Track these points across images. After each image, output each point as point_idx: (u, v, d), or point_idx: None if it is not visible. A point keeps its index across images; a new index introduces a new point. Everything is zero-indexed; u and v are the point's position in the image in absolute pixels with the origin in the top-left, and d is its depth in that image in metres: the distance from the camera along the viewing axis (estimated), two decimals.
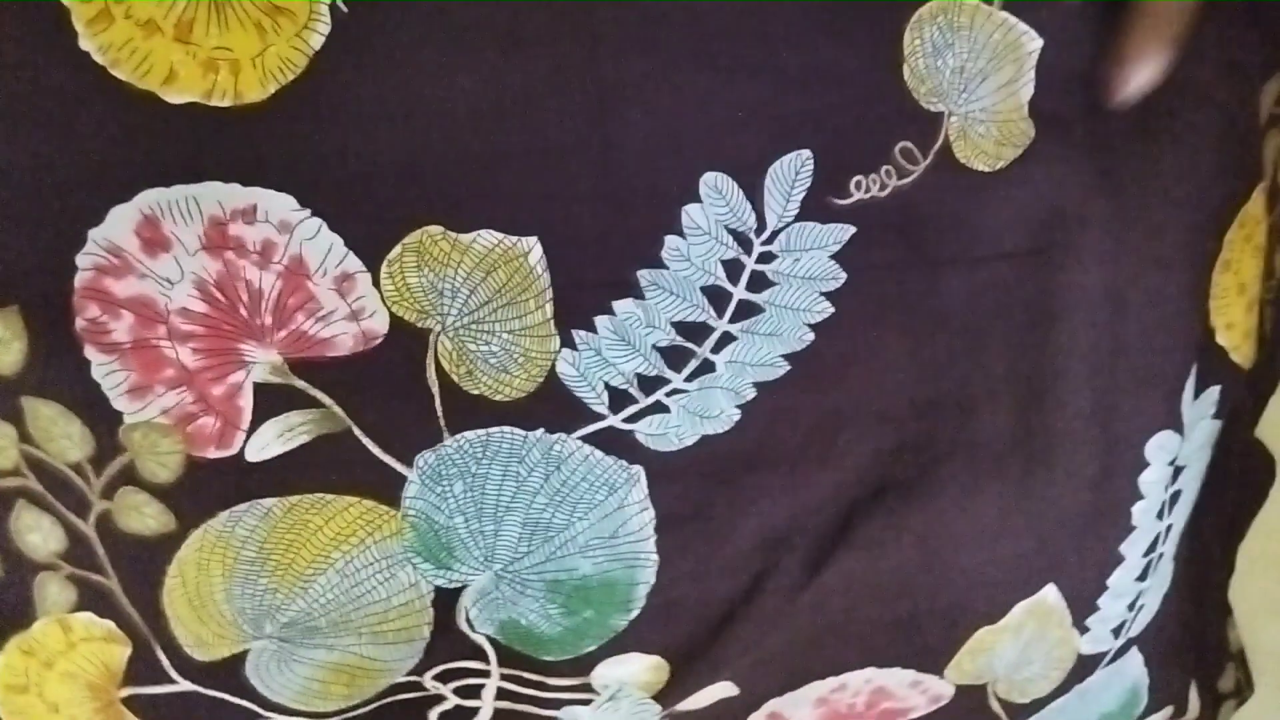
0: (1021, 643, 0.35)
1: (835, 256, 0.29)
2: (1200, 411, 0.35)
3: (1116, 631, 0.37)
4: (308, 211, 0.26)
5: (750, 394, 0.30)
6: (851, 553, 0.32)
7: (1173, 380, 0.34)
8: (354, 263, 0.27)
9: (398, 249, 0.27)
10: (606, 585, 0.31)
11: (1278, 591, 0.45)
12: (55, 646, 0.29)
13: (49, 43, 0.24)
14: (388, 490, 0.29)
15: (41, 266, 0.25)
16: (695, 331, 0.29)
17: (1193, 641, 0.41)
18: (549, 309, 0.28)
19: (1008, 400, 0.32)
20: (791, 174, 0.28)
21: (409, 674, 0.32)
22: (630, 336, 0.29)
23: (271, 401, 0.28)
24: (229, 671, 0.30)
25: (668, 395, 0.30)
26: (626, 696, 0.33)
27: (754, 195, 0.28)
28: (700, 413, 0.30)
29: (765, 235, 0.29)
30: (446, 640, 0.31)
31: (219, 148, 0.25)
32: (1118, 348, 0.32)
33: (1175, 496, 0.36)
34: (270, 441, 0.28)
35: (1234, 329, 0.35)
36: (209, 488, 0.28)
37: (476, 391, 0.29)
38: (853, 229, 0.29)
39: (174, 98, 0.25)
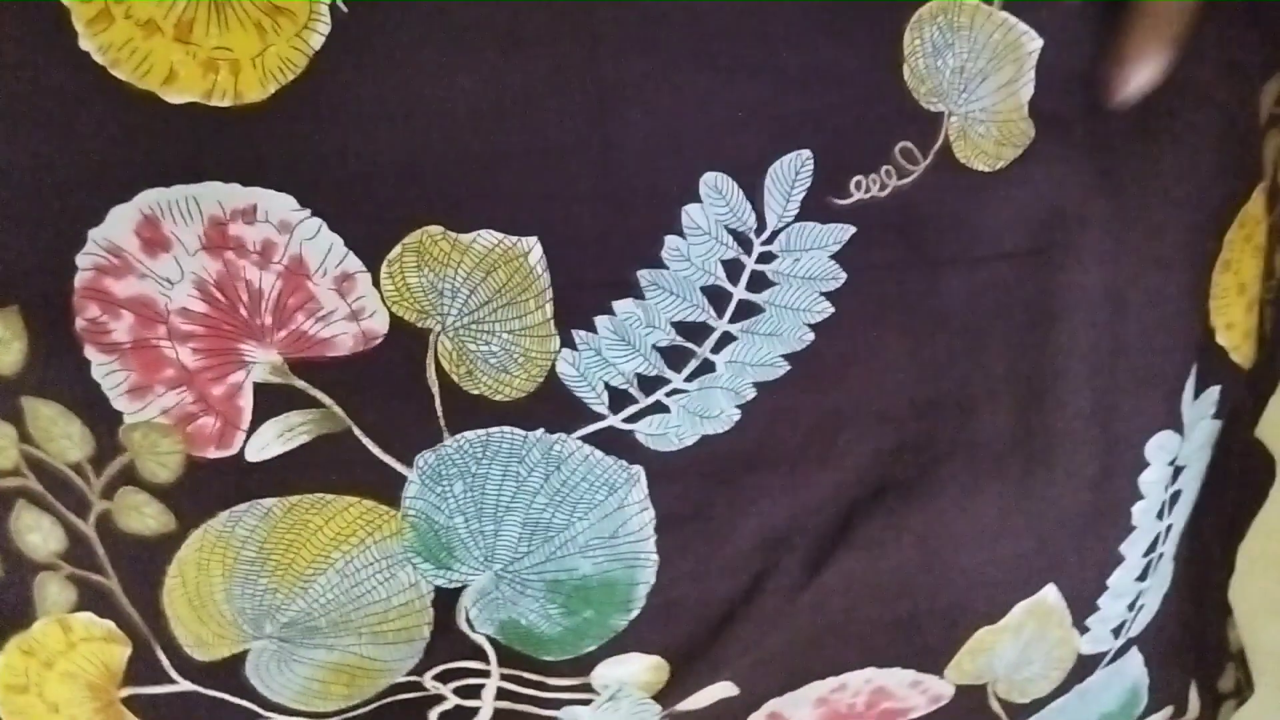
0: (1021, 643, 0.35)
1: (835, 256, 0.29)
2: (1200, 411, 0.35)
3: (1116, 631, 0.37)
4: (308, 211, 0.26)
5: (750, 394, 0.30)
6: (851, 553, 0.32)
7: (1173, 380, 0.34)
8: (354, 263, 0.27)
9: (398, 249, 0.27)
10: (606, 585, 0.31)
11: (1278, 591, 0.45)
12: (55, 646, 0.29)
13: (49, 43, 0.24)
14: (388, 490, 0.29)
15: (42, 266, 0.25)
16: (695, 331, 0.29)
17: (1193, 641, 0.41)
18: (549, 309, 0.28)
19: (1008, 400, 0.32)
20: (791, 174, 0.28)
21: (409, 674, 0.32)
22: (630, 336, 0.29)
23: (271, 401, 0.28)
24: (229, 671, 0.30)
25: (668, 395, 0.30)
26: (626, 696, 0.33)
27: (754, 195, 0.28)
28: (700, 413, 0.30)
29: (765, 235, 0.29)
30: (446, 640, 0.31)
31: (219, 148, 0.25)
32: (1118, 348, 0.32)
33: (1175, 496, 0.36)
34: (270, 441, 0.28)
35: (1234, 329, 0.35)
36: (209, 488, 0.28)
37: (476, 391, 0.29)
38: (853, 229, 0.29)
39: (174, 98, 0.25)
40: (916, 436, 0.32)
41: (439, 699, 0.33)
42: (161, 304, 0.26)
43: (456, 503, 0.30)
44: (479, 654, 0.32)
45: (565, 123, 0.26)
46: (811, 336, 0.30)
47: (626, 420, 0.30)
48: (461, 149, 0.26)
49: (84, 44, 0.24)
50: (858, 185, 0.29)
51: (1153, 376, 0.33)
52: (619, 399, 0.29)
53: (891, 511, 0.32)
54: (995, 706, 0.37)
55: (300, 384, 0.28)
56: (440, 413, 0.29)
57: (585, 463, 0.30)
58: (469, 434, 0.29)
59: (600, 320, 0.29)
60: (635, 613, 0.32)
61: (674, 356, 0.30)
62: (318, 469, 0.28)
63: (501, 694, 0.33)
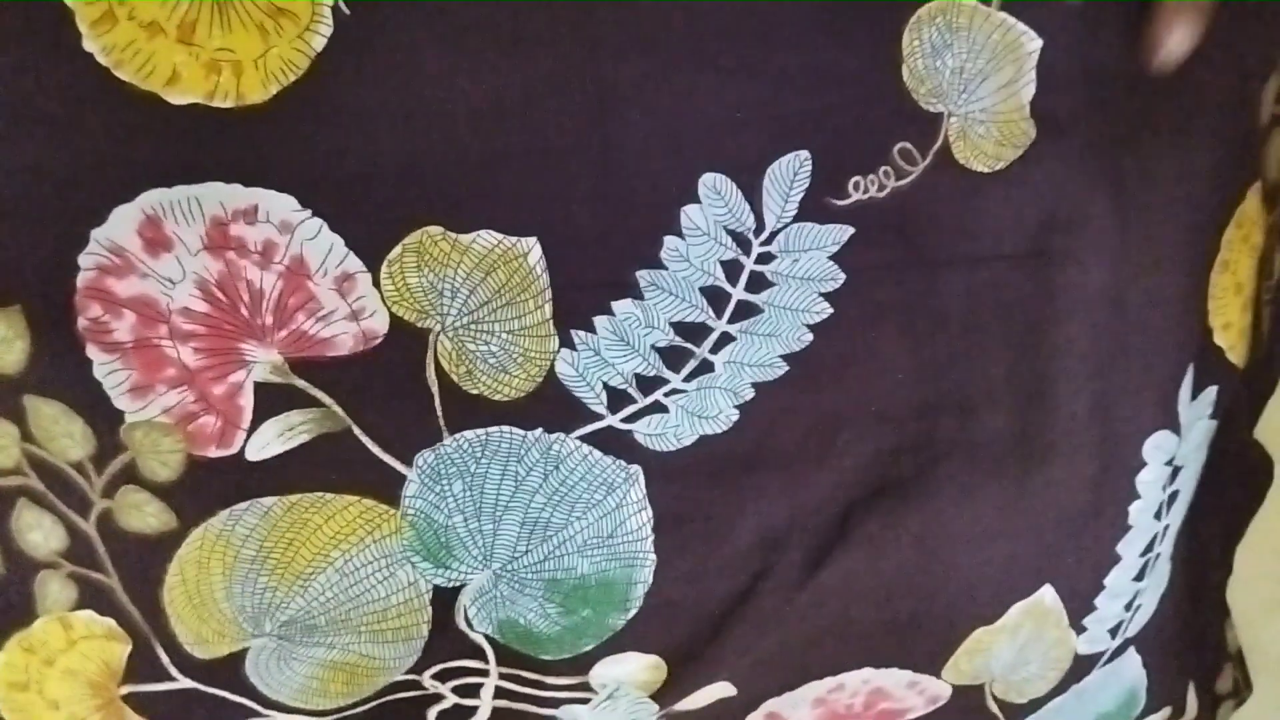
0: (1018, 643, 0.36)
1: (834, 257, 0.29)
2: (1198, 412, 0.35)
3: (1114, 632, 0.37)
4: (309, 212, 0.26)
5: (749, 394, 0.30)
6: (849, 553, 0.32)
7: (1171, 381, 0.34)
8: (354, 263, 0.27)
9: (398, 249, 0.27)
10: (604, 584, 0.31)
11: (1276, 592, 0.45)
12: (56, 644, 0.30)
13: (53, 44, 0.24)
14: (387, 489, 0.29)
15: (44, 266, 0.26)
16: (694, 332, 0.29)
17: (1191, 642, 0.41)
18: (548, 309, 0.28)
19: (1006, 401, 0.32)
20: (790, 175, 0.28)
21: (408, 672, 0.32)
22: (629, 337, 0.29)
23: (272, 401, 0.28)
24: (229, 669, 0.30)
25: (666, 395, 0.30)
26: (624, 696, 0.33)
27: (753, 196, 0.28)
28: (699, 413, 0.30)
29: (764, 236, 0.29)
30: (445, 639, 0.31)
31: (221, 148, 0.25)
32: (1117, 348, 0.32)
33: (1173, 497, 0.36)
34: (270, 441, 0.28)
35: (1230, 329, 0.35)
36: (209, 486, 0.28)
37: (476, 391, 0.29)
38: (851, 230, 0.29)
39: (177, 99, 0.25)
40: (915, 437, 0.32)
41: (438, 698, 0.33)
42: (163, 303, 0.27)
43: (455, 502, 0.30)
44: (477, 653, 0.32)
45: (565, 123, 0.27)
46: (810, 337, 0.30)
47: (625, 420, 0.30)
48: (462, 150, 0.26)
49: (88, 45, 0.24)
50: (856, 186, 0.29)
51: (1151, 377, 0.33)
52: (618, 399, 0.30)
53: (889, 512, 0.32)
54: (992, 707, 0.38)
55: (300, 383, 0.28)
56: (440, 412, 0.29)
57: (584, 462, 0.30)
58: (468, 433, 0.29)
59: (599, 320, 0.29)
60: (633, 612, 0.32)
61: (673, 357, 0.30)
62: (318, 468, 0.29)
63: (500, 693, 0.33)
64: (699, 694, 0.34)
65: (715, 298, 0.29)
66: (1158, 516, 0.36)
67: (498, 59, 0.26)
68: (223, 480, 0.28)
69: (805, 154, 0.28)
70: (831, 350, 0.30)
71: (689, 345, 0.30)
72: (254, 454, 0.28)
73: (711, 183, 0.28)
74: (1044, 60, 0.29)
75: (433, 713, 0.33)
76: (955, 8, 0.28)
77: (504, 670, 0.33)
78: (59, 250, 0.26)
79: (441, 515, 0.30)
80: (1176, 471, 0.35)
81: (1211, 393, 0.35)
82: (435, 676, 0.32)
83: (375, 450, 0.29)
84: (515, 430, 0.29)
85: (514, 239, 0.27)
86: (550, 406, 0.29)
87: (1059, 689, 0.38)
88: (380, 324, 0.28)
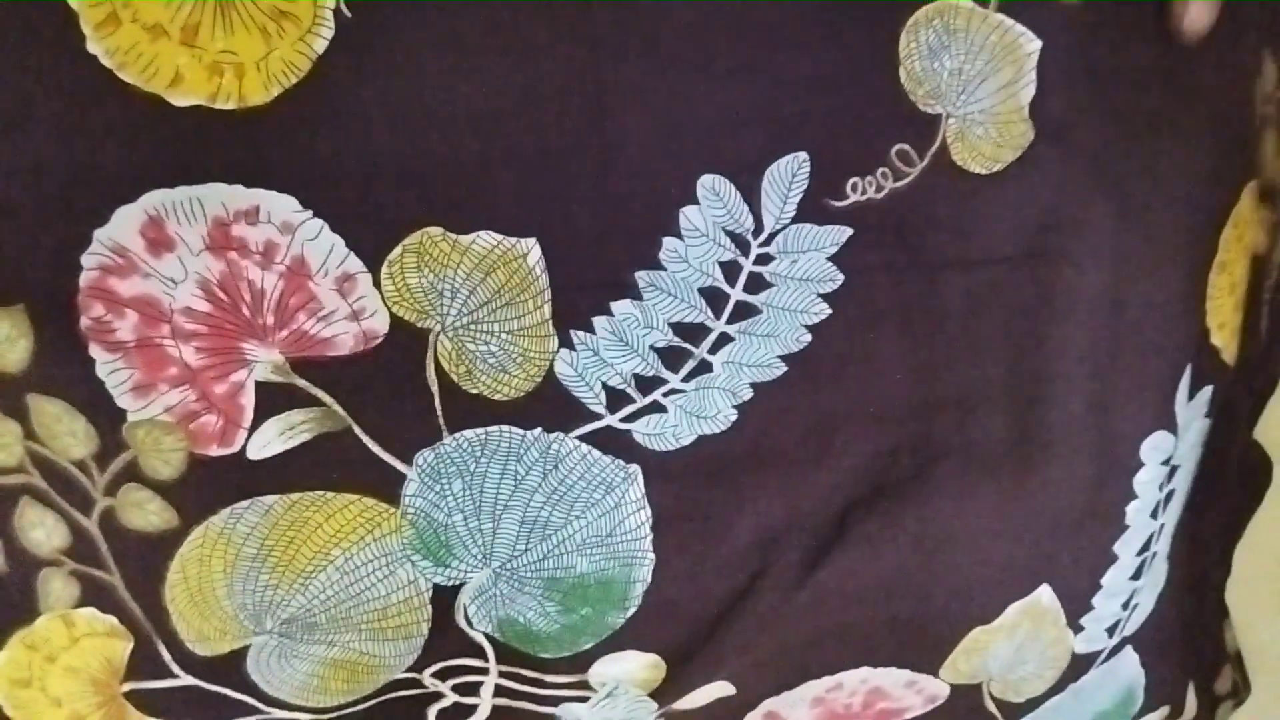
0: (1016, 642, 0.36)
1: (832, 258, 0.29)
2: (1194, 412, 0.35)
3: (1111, 630, 0.37)
4: (310, 213, 0.26)
5: (747, 394, 0.30)
6: (847, 553, 0.33)
7: (1169, 382, 0.34)
8: (355, 263, 0.27)
9: (398, 250, 0.27)
10: (603, 583, 0.31)
11: (1276, 591, 0.45)
12: (58, 641, 0.30)
13: (57, 45, 0.24)
14: (387, 488, 0.29)
15: (47, 266, 0.26)
16: (693, 332, 0.30)
17: (1190, 642, 0.41)
18: (547, 309, 0.28)
19: (1004, 401, 0.32)
20: (788, 176, 0.28)
21: (408, 670, 0.32)
22: (628, 337, 0.29)
23: (273, 400, 0.28)
24: (230, 667, 0.31)
25: (665, 395, 0.30)
26: (623, 694, 0.34)
27: (751, 197, 0.28)
28: (697, 413, 0.30)
29: (763, 237, 0.29)
30: (445, 637, 0.32)
31: (223, 149, 0.26)
32: (1115, 350, 0.32)
33: (1169, 496, 0.36)
34: (272, 439, 0.28)
35: (1225, 329, 0.35)
36: (211, 485, 0.28)
37: (475, 391, 0.29)
38: (849, 231, 0.29)
39: (179, 100, 0.25)
40: (913, 437, 0.32)
41: (438, 696, 0.33)
42: (165, 303, 0.27)
43: (455, 501, 0.30)
44: (477, 651, 0.32)
45: (564, 125, 0.27)
46: (809, 338, 0.30)
47: (624, 420, 0.30)
48: (462, 151, 0.26)
49: (92, 47, 0.24)
50: (854, 187, 0.29)
51: (1149, 378, 0.33)
52: (616, 399, 0.30)
53: (887, 512, 0.33)
54: (990, 706, 0.38)
55: (301, 383, 0.28)
56: (439, 412, 0.29)
57: (583, 462, 0.30)
58: (468, 433, 0.29)
59: (598, 321, 0.29)
60: (632, 611, 0.32)
61: (671, 357, 0.30)
62: (318, 467, 0.29)
63: (499, 691, 0.33)
64: (698, 693, 0.34)
65: (714, 298, 0.29)
66: (1154, 516, 0.36)
67: (497, 61, 0.26)
68: (224, 479, 0.28)
69: (804, 155, 0.28)
70: (830, 351, 0.30)
71: (688, 346, 0.30)
72: (255, 453, 0.28)
73: (710, 184, 0.28)
74: (1043, 61, 0.29)
75: (433, 711, 0.33)
76: (952, 9, 0.28)
77: (503, 668, 0.33)
78: (62, 250, 0.26)
79: (441, 514, 0.30)
80: (1173, 471, 0.36)
81: (1207, 392, 0.35)
82: (435, 675, 0.32)
83: (375, 449, 0.29)
84: (515, 430, 0.29)
85: (513, 240, 0.28)
86: (549, 406, 0.29)
87: (1056, 688, 0.38)
88: (381, 324, 0.28)
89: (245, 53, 0.25)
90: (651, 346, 0.30)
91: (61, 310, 0.26)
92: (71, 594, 0.29)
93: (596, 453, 0.30)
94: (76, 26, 0.24)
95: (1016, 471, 0.33)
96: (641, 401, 0.30)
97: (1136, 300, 0.32)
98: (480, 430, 0.29)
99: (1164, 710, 0.41)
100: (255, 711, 0.31)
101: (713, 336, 0.30)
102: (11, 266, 0.26)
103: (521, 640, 0.32)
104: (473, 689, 0.33)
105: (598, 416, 0.30)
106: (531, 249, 0.28)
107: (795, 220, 0.29)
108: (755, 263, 0.29)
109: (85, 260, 0.26)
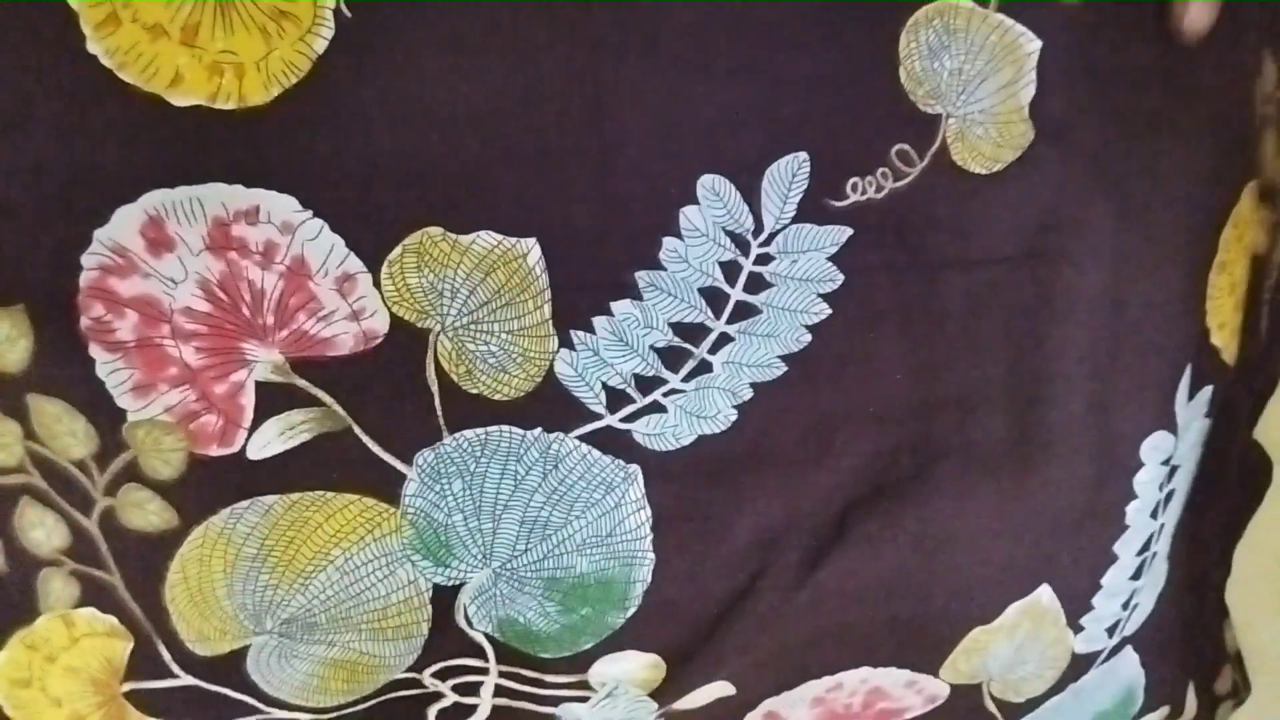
0: (1016, 642, 0.36)
1: (832, 258, 0.29)
2: (1194, 412, 0.35)
3: (1111, 631, 0.37)
4: (310, 213, 0.26)
5: (747, 394, 0.30)
6: (847, 553, 0.33)
7: (1169, 382, 0.34)
8: (355, 263, 0.27)
9: (398, 250, 0.27)
10: (603, 583, 0.31)
11: (1276, 591, 0.45)
12: (58, 641, 0.30)
13: (58, 45, 0.24)
14: (387, 488, 0.29)
15: (48, 266, 0.26)
16: (693, 332, 0.30)
17: (1190, 642, 0.41)
18: (547, 309, 0.28)
19: (1004, 402, 0.32)
20: (788, 176, 0.28)
21: (408, 670, 0.32)
22: (628, 337, 0.29)
23: (273, 400, 0.28)
24: (230, 667, 0.31)
25: (665, 395, 0.30)
26: (623, 694, 0.34)
27: (751, 197, 0.28)
28: (697, 413, 0.30)
29: (762, 237, 0.29)
30: (445, 637, 0.32)
31: (223, 149, 0.26)
32: (1115, 350, 0.32)
33: (1169, 496, 0.36)
34: (271, 439, 0.28)
35: (1224, 328, 0.35)
36: (211, 485, 0.28)
37: (475, 391, 0.29)
38: (850, 231, 0.29)
39: (179, 100, 0.25)
40: (913, 437, 0.32)
41: (438, 696, 0.33)
42: (165, 303, 0.27)
43: (455, 501, 0.30)
44: (477, 651, 0.32)
45: (564, 126, 0.27)
46: (808, 338, 0.30)
47: (624, 420, 0.30)
48: (461, 151, 0.26)
49: (92, 47, 0.24)
50: (854, 187, 0.29)
51: (1149, 378, 0.33)
52: (616, 399, 0.30)
53: (887, 512, 0.33)
54: (990, 706, 0.38)
55: (301, 383, 0.28)
56: (439, 411, 0.29)
57: (583, 461, 0.30)
58: (468, 432, 0.29)
59: (598, 321, 0.29)
60: (632, 611, 0.32)
61: (671, 357, 0.30)
62: (318, 467, 0.29)
63: (499, 691, 0.33)
64: (698, 693, 0.34)
65: (714, 298, 0.29)
66: (1154, 516, 0.36)
67: (497, 61, 0.26)
68: (224, 479, 0.28)
69: (804, 155, 0.28)
70: (830, 351, 0.30)
71: (687, 346, 0.30)
72: (255, 453, 0.28)
73: (710, 184, 0.28)
74: (1043, 61, 0.29)
75: (433, 711, 0.33)
76: (952, 9, 0.28)
77: (503, 668, 0.33)
78: (62, 250, 0.26)
79: (441, 514, 0.30)
80: (1173, 471, 0.36)
81: (1207, 392, 0.35)
82: (435, 674, 0.33)
83: (375, 449, 0.29)
84: (514, 430, 0.29)
85: (513, 240, 0.28)
86: (549, 406, 0.29)
87: (1056, 688, 0.38)
88: (380, 324, 0.28)
89: (245, 53, 0.25)
90: (651, 346, 0.30)
91: (62, 310, 0.26)
92: (71, 594, 0.29)
93: (596, 453, 0.30)
94: (77, 26, 0.24)
95: (1016, 471, 0.33)
96: (641, 401, 0.30)
97: (1137, 300, 0.32)
98: (480, 430, 0.29)
99: (1164, 710, 0.41)
100: (255, 711, 0.31)
101: (713, 336, 0.30)
102: (12, 266, 0.26)
103: (521, 640, 0.32)
104: (473, 689, 0.33)
105: (598, 416, 0.30)
106: (531, 249, 0.28)
107: (795, 220, 0.29)
108: (755, 263, 0.29)
109: (85, 260, 0.26)
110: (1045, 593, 0.35)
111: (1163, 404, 0.34)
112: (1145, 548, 0.36)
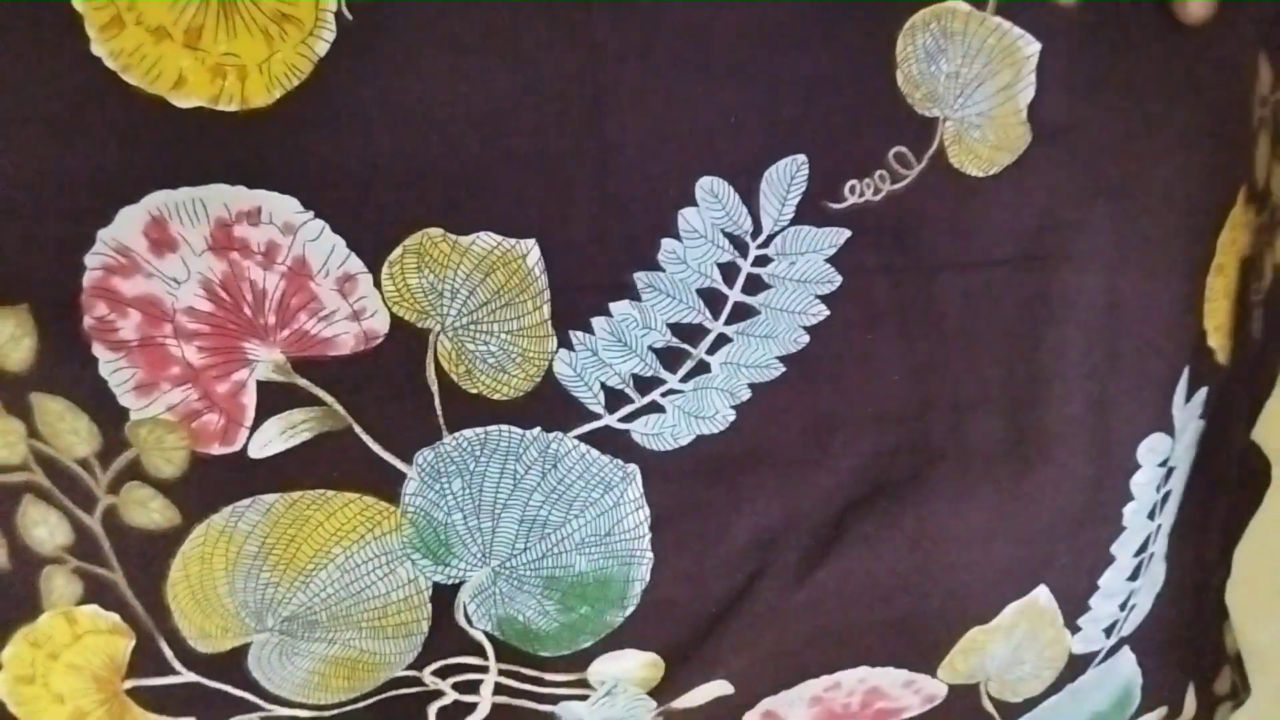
0: (1013, 643, 0.36)
1: (830, 260, 0.30)
2: (1191, 414, 0.35)
3: (1108, 631, 0.37)
4: (311, 214, 0.27)
5: (745, 395, 0.31)
6: (845, 553, 0.33)
7: (1166, 384, 0.34)
8: (356, 264, 0.27)
9: (399, 250, 0.27)
10: (602, 582, 0.32)
11: (1276, 592, 0.45)
12: (61, 639, 0.30)
13: (61, 47, 0.24)
14: (387, 487, 0.30)
15: (51, 265, 0.26)
16: (691, 333, 0.30)
17: (1189, 642, 0.41)
18: (546, 310, 0.29)
19: (1002, 403, 0.32)
20: (787, 178, 0.28)
21: (408, 668, 0.32)
22: (627, 337, 0.29)
23: (274, 399, 0.28)
24: (231, 664, 0.31)
25: (663, 396, 0.30)
26: (622, 692, 0.34)
27: (750, 199, 0.29)
28: (695, 413, 0.30)
29: (761, 239, 0.29)
30: (445, 636, 0.32)
31: (225, 151, 0.26)
32: (1112, 352, 0.32)
33: (1166, 497, 0.36)
34: (273, 438, 0.28)
35: (1219, 330, 0.35)
36: (213, 483, 0.29)
37: (475, 390, 0.29)
38: (848, 233, 0.29)
39: (182, 102, 0.25)
40: (911, 438, 0.32)
41: (438, 694, 0.33)
42: (168, 303, 0.27)
43: (455, 500, 0.30)
44: (477, 649, 0.32)
45: (563, 127, 0.27)
46: (807, 339, 0.30)
47: (622, 420, 0.30)
48: (462, 153, 0.27)
49: (96, 49, 0.24)
50: (852, 189, 0.29)
51: (1146, 380, 0.33)
52: (615, 399, 0.30)
53: (885, 512, 0.33)
54: (988, 706, 0.38)
55: (302, 382, 0.28)
56: (439, 411, 0.29)
57: (581, 461, 0.30)
58: (467, 432, 0.29)
59: (597, 321, 0.29)
60: (631, 610, 0.32)
61: (670, 357, 0.30)
62: (319, 466, 0.29)
63: (499, 689, 0.33)
64: (696, 692, 0.34)
65: (712, 299, 0.29)
66: (1151, 517, 0.36)
67: (497, 63, 0.26)
68: (226, 477, 0.29)
69: (802, 158, 0.28)
70: (828, 352, 0.30)
71: (686, 346, 0.30)
72: (256, 451, 0.28)
73: (709, 186, 0.28)
74: (1042, 63, 0.29)
75: (433, 709, 0.33)
76: (950, 12, 0.28)
77: (503, 667, 0.33)
78: (66, 250, 0.26)
79: (441, 513, 0.30)
80: (1170, 473, 0.36)
81: (1203, 394, 0.35)
82: (435, 673, 0.33)
83: (376, 448, 0.29)
84: (514, 429, 0.30)
85: (513, 241, 0.28)
86: (548, 406, 0.29)
87: (1054, 688, 0.38)
88: (381, 324, 0.28)
89: (248, 55, 0.25)
90: (650, 347, 0.30)
91: (65, 310, 0.26)
92: (74, 591, 0.29)
93: (595, 452, 0.30)
94: (81, 29, 0.24)
95: (1014, 472, 0.33)
96: (640, 401, 0.30)
97: (1135, 302, 0.32)
98: (480, 430, 0.29)
99: (1161, 711, 0.41)
100: (256, 709, 0.32)
101: (711, 337, 0.30)
102: (16, 266, 0.26)
103: (521, 639, 0.32)
104: (472, 687, 0.33)
105: (596, 416, 0.30)
106: (531, 250, 0.28)
107: (793, 222, 0.29)
108: (753, 264, 0.29)
109: (89, 260, 0.26)
110: (1043, 593, 0.35)
111: (1160, 406, 0.34)
112: (1142, 549, 0.36)
